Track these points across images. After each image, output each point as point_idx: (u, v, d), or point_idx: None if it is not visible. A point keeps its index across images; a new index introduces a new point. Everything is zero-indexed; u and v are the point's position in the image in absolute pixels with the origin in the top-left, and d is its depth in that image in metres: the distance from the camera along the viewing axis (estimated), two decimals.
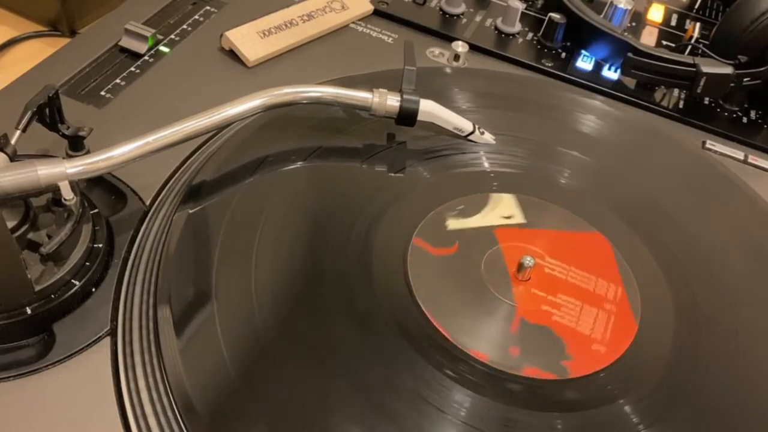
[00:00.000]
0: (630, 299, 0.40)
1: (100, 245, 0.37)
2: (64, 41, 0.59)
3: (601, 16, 0.60)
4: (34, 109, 0.38)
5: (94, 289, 0.37)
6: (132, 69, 0.51)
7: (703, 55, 0.57)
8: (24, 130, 0.37)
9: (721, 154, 0.53)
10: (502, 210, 0.43)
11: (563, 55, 0.59)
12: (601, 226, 0.43)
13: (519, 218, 0.43)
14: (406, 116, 0.44)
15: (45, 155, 0.42)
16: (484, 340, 0.36)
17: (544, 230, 0.42)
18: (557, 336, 0.37)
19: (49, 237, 0.35)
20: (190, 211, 0.39)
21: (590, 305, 0.39)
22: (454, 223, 0.41)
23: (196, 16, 0.57)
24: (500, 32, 0.60)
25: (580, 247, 0.42)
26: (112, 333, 0.35)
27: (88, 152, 0.41)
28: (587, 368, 0.36)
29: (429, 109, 0.45)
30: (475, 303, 0.38)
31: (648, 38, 0.63)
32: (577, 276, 0.40)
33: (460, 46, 0.56)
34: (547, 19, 0.59)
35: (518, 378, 0.35)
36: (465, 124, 0.46)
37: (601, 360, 0.37)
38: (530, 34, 0.61)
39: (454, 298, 0.38)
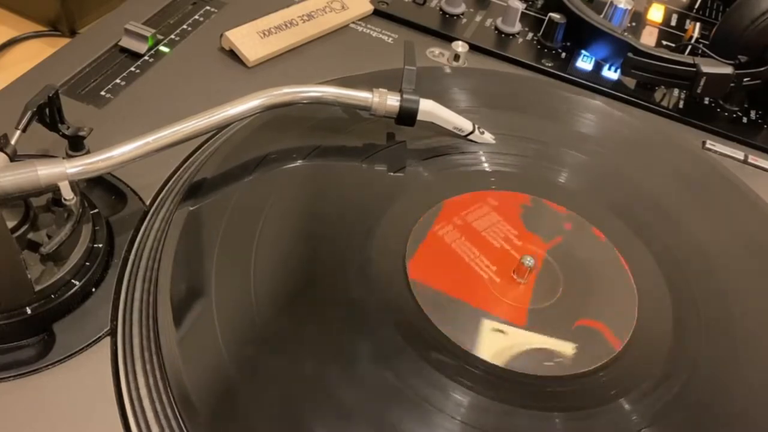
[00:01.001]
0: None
1: (100, 245, 0.37)
2: (64, 41, 0.59)
3: (601, 16, 0.60)
4: (34, 109, 0.38)
5: (94, 289, 0.37)
6: (132, 69, 0.51)
7: (703, 55, 0.57)
8: (24, 130, 0.37)
9: (721, 154, 0.53)
10: None
11: (563, 55, 0.59)
12: (600, 226, 0.43)
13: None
14: (406, 116, 0.44)
15: (45, 155, 0.42)
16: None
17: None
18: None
19: (49, 237, 0.35)
20: (190, 210, 0.39)
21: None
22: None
23: (196, 16, 0.57)
24: (500, 32, 0.60)
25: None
26: (112, 333, 0.35)
27: (88, 152, 0.41)
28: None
29: (429, 108, 0.45)
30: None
31: (648, 38, 0.63)
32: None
33: (460, 46, 0.56)
34: (547, 19, 0.59)
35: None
36: (465, 124, 0.46)
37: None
38: (530, 34, 0.61)
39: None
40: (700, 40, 0.62)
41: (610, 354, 0.37)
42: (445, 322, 0.36)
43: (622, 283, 0.41)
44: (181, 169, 0.44)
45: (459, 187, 0.44)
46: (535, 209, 0.44)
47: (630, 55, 0.54)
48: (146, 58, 0.52)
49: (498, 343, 0.36)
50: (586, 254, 0.42)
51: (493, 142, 0.47)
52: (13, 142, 0.36)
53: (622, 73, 0.56)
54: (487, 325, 0.37)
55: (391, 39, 0.58)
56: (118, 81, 0.49)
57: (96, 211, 0.38)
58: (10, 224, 0.35)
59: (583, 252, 0.42)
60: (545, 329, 0.37)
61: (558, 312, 0.38)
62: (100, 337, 0.35)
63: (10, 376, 0.33)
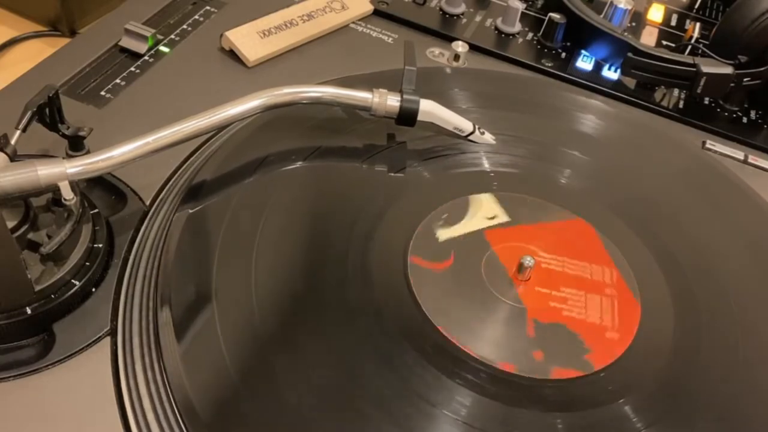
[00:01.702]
0: (626, 280, 0.40)
1: (100, 245, 0.37)
2: (64, 41, 0.59)
3: (601, 16, 0.60)
4: (34, 109, 0.38)
5: (94, 289, 0.37)
6: (132, 69, 0.51)
7: (703, 55, 0.57)
8: (24, 130, 0.37)
9: (721, 154, 0.53)
10: (484, 211, 0.43)
11: (563, 55, 0.59)
12: (600, 226, 0.43)
13: (502, 217, 0.43)
14: (407, 116, 0.44)
15: (45, 155, 0.42)
16: (506, 350, 0.36)
17: (528, 225, 0.43)
18: (572, 331, 0.37)
19: (49, 237, 0.35)
20: (191, 211, 0.39)
21: (592, 293, 0.39)
22: (444, 234, 0.41)
23: (196, 16, 0.57)
24: (500, 32, 0.60)
25: (566, 235, 0.42)
26: (112, 333, 0.35)
27: (88, 152, 0.41)
28: (608, 357, 0.37)
29: (429, 109, 0.45)
30: (485, 312, 0.38)
31: (648, 38, 0.63)
32: (573, 266, 0.41)
33: (460, 46, 0.56)
34: (547, 19, 0.59)
35: (548, 382, 0.35)
36: (465, 124, 0.46)
37: (618, 345, 0.37)
38: (530, 34, 0.61)
39: (463, 310, 0.37)
40: (700, 40, 0.62)
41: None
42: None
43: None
44: (181, 169, 0.44)
45: (460, 187, 0.44)
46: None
47: (630, 55, 0.54)
48: (146, 58, 0.52)
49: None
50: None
51: (494, 142, 0.47)
52: (13, 142, 0.36)
53: (622, 73, 0.56)
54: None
55: (391, 39, 0.58)
56: (118, 81, 0.49)
57: (96, 211, 0.38)
58: (10, 224, 0.35)
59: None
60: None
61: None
62: (100, 337, 0.35)
63: (10, 376, 0.33)
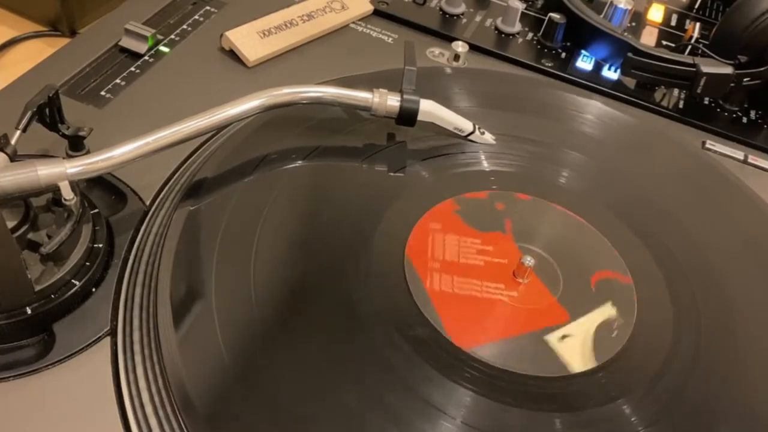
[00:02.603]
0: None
1: (100, 245, 0.37)
2: (64, 41, 0.59)
3: (601, 16, 0.60)
4: (34, 109, 0.38)
5: (94, 289, 0.37)
6: (132, 69, 0.51)
7: (703, 55, 0.57)
8: (24, 130, 0.37)
9: (721, 154, 0.53)
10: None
11: (563, 55, 0.59)
12: (600, 226, 0.43)
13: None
14: (407, 116, 0.44)
15: (45, 155, 0.42)
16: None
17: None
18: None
19: (49, 237, 0.35)
20: (190, 210, 0.39)
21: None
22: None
23: (196, 16, 0.57)
24: (500, 32, 0.60)
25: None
26: (112, 333, 0.35)
27: (88, 152, 0.41)
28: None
29: (429, 109, 0.45)
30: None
31: (648, 38, 0.63)
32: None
33: (460, 46, 0.56)
34: (547, 19, 0.59)
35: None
36: (465, 124, 0.46)
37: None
38: (530, 34, 0.61)
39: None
40: (700, 40, 0.62)
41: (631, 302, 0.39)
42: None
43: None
44: (181, 169, 0.44)
45: (459, 187, 0.44)
46: (465, 208, 0.43)
47: (630, 55, 0.54)
48: (146, 58, 0.52)
49: (575, 347, 0.37)
50: (547, 224, 0.43)
51: (494, 142, 0.47)
52: (13, 142, 0.36)
53: (622, 73, 0.56)
54: (552, 339, 0.37)
55: (391, 39, 0.58)
56: (118, 81, 0.49)
57: (96, 211, 0.38)
58: (10, 224, 0.35)
59: (544, 225, 0.43)
60: (582, 306, 0.39)
61: (574, 284, 0.40)
62: (100, 337, 0.35)
63: (10, 376, 0.33)
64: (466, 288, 0.39)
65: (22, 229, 0.35)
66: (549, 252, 0.41)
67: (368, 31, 0.58)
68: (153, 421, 0.32)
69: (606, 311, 0.39)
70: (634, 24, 0.64)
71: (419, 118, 0.45)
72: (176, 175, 0.43)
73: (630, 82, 0.57)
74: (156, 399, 0.32)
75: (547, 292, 0.39)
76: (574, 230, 0.43)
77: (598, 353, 0.37)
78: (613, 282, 0.40)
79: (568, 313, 0.38)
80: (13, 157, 0.36)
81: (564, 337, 0.37)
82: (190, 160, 0.44)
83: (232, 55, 0.53)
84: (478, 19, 0.61)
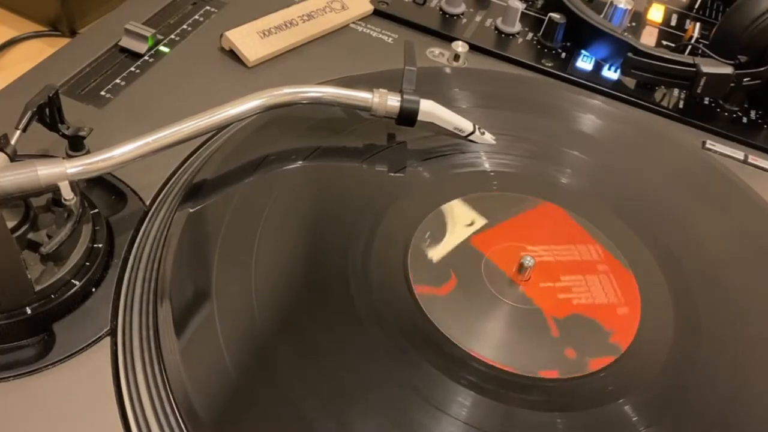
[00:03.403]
0: (611, 252, 0.42)
1: (100, 245, 0.37)
2: (64, 41, 0.59)
3: (601, 16, 0.60)
4: (34, 109, 0.38)
5: (94, 289, 0.37)
6: (132, 69, 0.51)
7: (703, 55, 0.57)
8: (24, 130, 0.37)
9: (721, 154, 0.53)
10: (461, 219, 0.42)
11: (563, 55, 0.59)
12: (600, 226, 0.43)
13: (479, 220, 0.42)
14: (407, 116, 0.44)
15: (45, 155, 0.42)
16: (540, 358, 0.36)
17: (505, 222, 0.43)
18: (590, 318, 0.38)
19: (49, 237, 0.35)
20: (191, 211, 0.39)
21: (590, 274, 0.40)
22: (435, 254, 0.40)
23: (196, 16, 0.57)
24: (500, 32, 0.60)
25: (542, 222, 0.43)
26: (112, 333, 0.35)
27: (88, 152, 0.41)
28: (629, 332, 0.38)
29: (429, 109, 0.45)
30: (506, 323, 0.38)
31: (648, 38, 0.63)
32: (561, 251, 0.41)
33: (460, 46, 0.56)
34: (547, 19, 0.59)
35: (592, 377, 0.36)
36: (465, 125, 0.46)
37: (632, 318, 0.38)
38: (530, 34, 0.61)
39: (482, 325, 0.37)
40: (700, 40, 0.62)
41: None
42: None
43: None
44: (181, 170, 0.44)
45: (459, 187, 0.44)
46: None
47: (630, 55, 0.54)
48: (146, 58, 0.52)
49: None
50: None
51: (494, 142, 0.47)
52: (13, 142, 0.36)
53: (622, 73, 0.56)
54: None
55: (391, 39, 0.58)
56: (118, 81, 0.49)
57: (96, 211, 0.38)
58: (10, 224, 0.35)
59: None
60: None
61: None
62: (100, 337, 0.35)
63: (10, 376, 0.33)
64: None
65: (22, 229, 0.35)
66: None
67: (368, 31, 0.58)
68: (153, 421, 0.32)
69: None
70: (634, 24, 0.64)
71: (419, 118, 0.45)
72: (176, 176, 0.43)
73: (630, 82, 0.57)
74: (156, 399, 0.32)
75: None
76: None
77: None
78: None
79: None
80: (13, 157, 0.36)
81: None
82: (190, 160, 0.44)
83: (232, 55, 0.53)
84: (478, 19, 0.61)
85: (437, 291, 0.38)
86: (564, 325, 0.38)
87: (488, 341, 0.36)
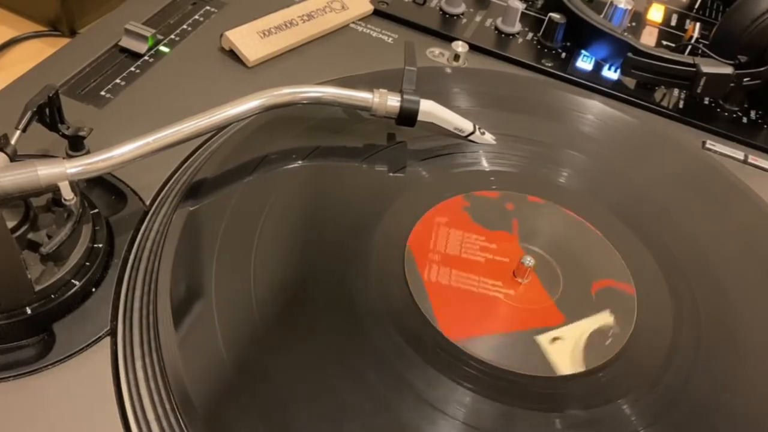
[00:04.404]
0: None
1: (100, 245, 0.37)
2: (64, 41, 0.59)
3: (601, 16, 0.60)
4: (34, 109, 0.38)
5: (94, 289, 0.37)
6: (132, 69, 0.51)
7: (703, 55, 0.57)
8: (24, 130, 0.37)
9: (721, 154, 0.53)
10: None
11: (563, 55, 0.59)
12: (600, 226, 0.43)
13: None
14: (407, 116, 0.44)
15: (45, 155, 0.42)
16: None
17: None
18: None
19: (49, 237, 0.35)
20: (190, 210, 0.39)
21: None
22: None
23: (196, 16, 0.57)
24: (500, 32, 0.60)
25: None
26: (112, 333, 0.35)
27: (88, 152, 0.41)
28: None
29: (429, 109, 0.45)
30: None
31: (648, 38, 0.63)
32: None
33: (460, 46, 0.56)
34: (547, 19, 0.59)
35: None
36: (465, 125, 0.46)
37: None
38: (530, 34, 0.61)
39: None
40: (700, 40, 0.62)
41: (631, 303, 0.40)
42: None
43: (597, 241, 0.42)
44: (181, 170, 0.44)
45: (459, 187, 0.44)
46: (474, 205, 0.43)
47: (630, 55, 0.54)
48: (146, 58, 0.52)
49: (565, 350, 0.36)
50: (553, 227, 0.43)
51: (494, 142, 0.47)
52: (13, 142, 0.36)
53: (622, 73, 0.56)
54: (543, 341, 0.37)
55: (391, 39, 0.58)
56: (118, 81, 0.49)
57: (96, 211, 0.38)
58: (10, 224, 0.35)
59: (551, 227, 0.43)
60: (579, 312, 0.38)
61: (574, 289, 0.40)
62: (100, 337, 0.35)
63: (10, 376, 0.33)
64: (463, 282, 0.39)
65: (22, 229, 0.35)
66: (553, 255, 0.41)
67: (368, 31, 0.58)
68: (153, 421, 0.32)
69: (604, 318, 0.39)
70: (634, 24, 0.64)
71: (419, 118, 0.45)
72: (176, 175, 0.43)
73: (630, 82, 0.57)
74: (156, 399, 0.32)
75: (545, 294, 0.39)
76: (580, 235, 0.43)
77: (589, 357, 0.36)
78: (613, 288, 0.40)
79: (563, 316, 0.38)
80: (13, 157, 0.36)
81: (555, 339, 0.37)
82: (190, 160, 0.44)
83: (232, 55, 0.53)
84: (478, 19, 0.61)
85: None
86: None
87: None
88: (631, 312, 0.39)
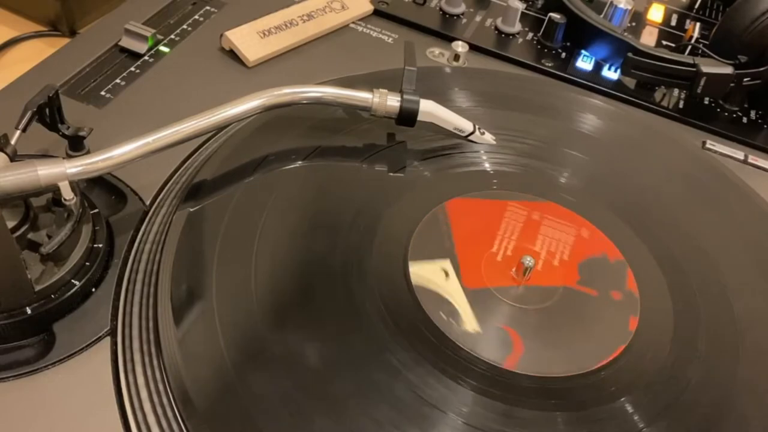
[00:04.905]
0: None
1: (100, 245, 0.37)
2: (64, 41, 0.59)
3: (601, 16, 0.60)
4: (34, 109, 0.38)
5: (94, 289, 0.37)
6: (132, 69, 0.51)
7: (703, 55, 0.57)
8: (24, 130, 0.37)
9: (721, 154, 0.53)
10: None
11: (563, 55, 0.59)
12: (601, 226, 0.43)
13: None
14: (407, 116, 0.44)
15: (45, 155, 0.42)
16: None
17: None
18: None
19: (49, 237, 0.35)
20: (190, 211, 0.39)
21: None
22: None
23: (196, 16, 0.57)
24: (500, 32, 0.60)
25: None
26: (112, 333, 0.35)
27: (88, 152, 0.41)
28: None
29: (429, 109, 0.45)
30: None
31: (648, 38, 0.63)
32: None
33: (460, 46, 0.56)
34: (547, 19, 0.59)
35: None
36: (465, 125, 0.46)
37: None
38: (530, 34, 0.61)
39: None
40: (700, 40, 0.62)
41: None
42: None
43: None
44: (181, 170, 0.44)
45: (460, 187, 0.44)
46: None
47: (630, 55, 0.54)
48: (146, 58, 0.52)
49: None
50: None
51: (494, 142, 0.47)
52: (13, 142, 0.36)
53: (622, 73, 0.56)
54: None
55: (391, 39, 0.58)
56: (118, 81, 0.49)
57: (96, 211, 0.38)
58: (10, 224, 0.35)
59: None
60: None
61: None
62: (100, 337, 0.35)
63: (10, 376, 0.33)
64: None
65: (22, 229, 0.35)
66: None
67: (368, 31, 0.58)
68: (152, 422, 0.32)
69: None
70: (634, 24, 0.64)
71: (419, 118, 0.45)
72: (176, 175, 0.43)
73: (630, 82, 0.57)
74: (156, 399, 0.32)
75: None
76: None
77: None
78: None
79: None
80: (13, 157, 0.36)
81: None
82: (190, 160, 0.44)
83: (232, 55, 0.53)
84: (478, 19, 0.61)
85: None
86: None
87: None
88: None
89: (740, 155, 0.53)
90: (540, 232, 0.42)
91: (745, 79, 0.55)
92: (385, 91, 0.44)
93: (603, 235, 0.43)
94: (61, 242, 0.35)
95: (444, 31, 0.59)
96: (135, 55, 0.52)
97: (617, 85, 0.57)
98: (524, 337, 0.37)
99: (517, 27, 0.60)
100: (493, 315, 0.38)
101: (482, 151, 0.47)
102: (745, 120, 0.57)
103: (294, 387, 0.33)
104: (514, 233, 0.42)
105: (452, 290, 0.38)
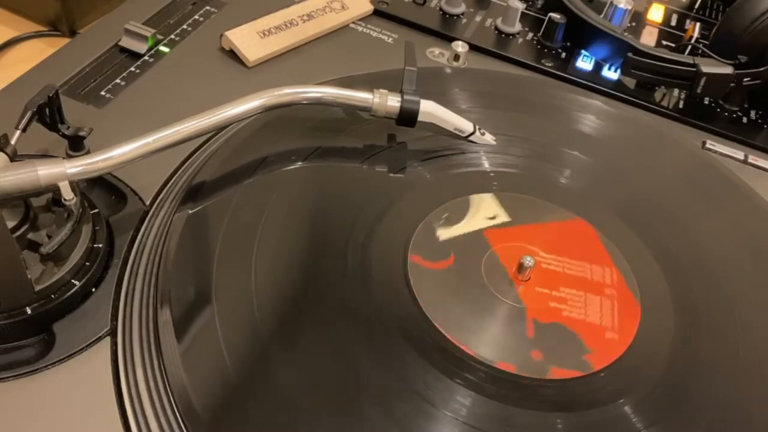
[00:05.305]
0: (627, 281, 0.41)
1: (100, 245, 0.37)
2: (64, 41, 0.59)
3: (601, 16, 0.60)
4: (34, 109, 0.38)
5: (94, 289, 0.37)
6: (132, 69, 0.51)
7: (703, 55, 0.57)
8: (24, 130, 0.37)
9: (721, 154, 0.53)
10: (485, 211, 0.43)
11: (563, 55, 0.59)
12: (601, 226, 0.43)
13: (503, 217, 0.43)
14: (407, 117, 0.44)
15: (45, 155, 0.42)
16: (506, 350, 0.36)
17: (528, 225, 0.43)
18: (572, 331, 0.37)
19: (49, 237, 0.35)
20: (190, 212, 0.39)
21: (593, 293, 0.39)
22: (444, 233, 0.41)
23: (196, 16, 0.57)
24: (500, 32, 0.60)
25: (566, 235, 0.43)
26: (112, 333, 0.35)
27: (88, 152, 0.41)
28: (608, 357, 0.37)
29: (429, 109, 0.45)
30: (484, 311, 0.38)
31: (648, 38, 0.63)
32: (573, 266, 0.41)
33: (460, 46, 0.56)
34: (547, 19, 0.59)
35: (548, 382, 0.35)
36: (465, 125, 0.46)
37: (618, 346, 0.37)
38: (530, 34, 0.61)
39: (463, 310, 0.37)
40: (700, 40, 0.62)
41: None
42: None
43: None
44: (181, 170, 0.44)
45: (460, 187, 0.44)
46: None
47: (630, 55, 0.54)
48: (146, 58, 0.52)
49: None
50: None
51: (494, 142, 0.47)
52: (13, 142, 0.36)
53: (622, 73, 0.56)
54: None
55: (391, 39, 0.58)
56: (118, 81, 0.49)
57: (96, 211, 0.38)
58: (10, 224, 0.35)
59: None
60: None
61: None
62: (100, 337, 0.35)
63: (10, 376, 0.33)
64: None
65: (22, 229, 0.35)
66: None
67: (368, 31, 0.58)
68: (152, 422, 0.32)
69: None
70: (634, 24, 0.64)
71: (419, 118, 0.45)
72: (176, 176, 0.43)
73: (630, 82, 0.57)
74: (156, 399, 0.32)
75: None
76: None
77: None
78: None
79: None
80: (13, 157, 0.36)
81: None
82: (190, 160, 0.44)
83: (232, 55, 0.53)
84: (478, 19, 0.61)
85: (431, 265, 0.39)
86: (543, 329, 0.37)
87: (459, 322, 0.37)
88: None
89: (740, 155, 0.53)
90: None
91: (745, 79, 0.55)
92: (386, 91, 0.44)
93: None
94: (61, 242, 0.35)
95: (444, 31, 0.59)
96: (135, 55, 0.52)
97: (617, 85, 0.57)
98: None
99: (517, 27, 0.60)
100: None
101: (482, 152, 0.47)
102: (745, 120, 0.57)
103: (293, 387, 0.33)
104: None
105: None
